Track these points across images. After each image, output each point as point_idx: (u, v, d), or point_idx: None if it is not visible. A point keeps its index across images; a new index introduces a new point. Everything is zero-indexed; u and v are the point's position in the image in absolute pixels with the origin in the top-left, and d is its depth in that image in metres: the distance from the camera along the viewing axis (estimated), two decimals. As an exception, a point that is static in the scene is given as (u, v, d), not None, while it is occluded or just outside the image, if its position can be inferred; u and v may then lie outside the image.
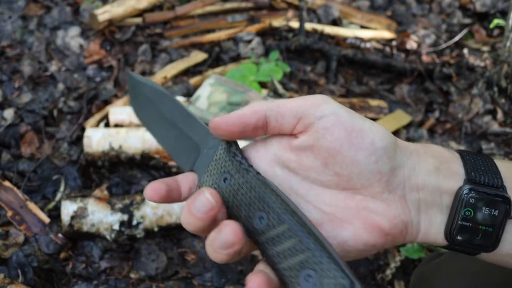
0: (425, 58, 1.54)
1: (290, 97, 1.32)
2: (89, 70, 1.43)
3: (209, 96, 1.19)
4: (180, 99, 1.23)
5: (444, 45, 1.59)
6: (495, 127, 1.34)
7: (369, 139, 0.40)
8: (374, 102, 1.37)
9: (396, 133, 1.29)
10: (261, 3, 1.68)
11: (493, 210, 0.41)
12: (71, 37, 1.51)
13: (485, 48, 1.59)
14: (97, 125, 1.23)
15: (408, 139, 1.29)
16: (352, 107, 1.34)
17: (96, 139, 1.11)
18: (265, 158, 0.42)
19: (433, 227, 0.42)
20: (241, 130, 0.41)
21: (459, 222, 0.41)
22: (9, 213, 1.02)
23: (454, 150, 0.45)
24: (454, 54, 1.56)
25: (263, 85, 1.33)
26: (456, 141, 1.32)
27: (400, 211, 0.41)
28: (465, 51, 1.54)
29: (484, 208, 0.41)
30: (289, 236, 0.36)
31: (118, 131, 1.13)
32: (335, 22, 1.68)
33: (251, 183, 0.39)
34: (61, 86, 1.37)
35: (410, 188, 0.41)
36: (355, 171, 0.39)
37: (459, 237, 0.41)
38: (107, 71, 1.44)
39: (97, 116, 1.25)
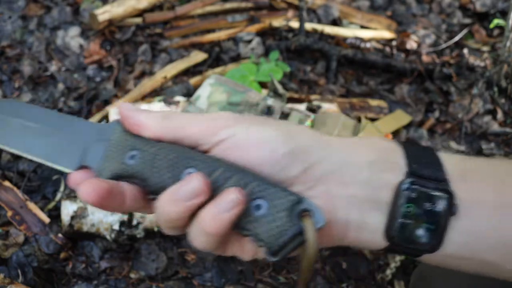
0: (425, 58, 1.54)
1: (290, 97, 1.32)
2: (89, 70, 1.43)
3: (209, 96, 1.19)
4: (180, 99, 1.23)
5: (444, 45, 1.59)
6: (495, 127, 1.34)
7: (268, 149, 0.37)
8: (374, 102, 1.37)
9: (396, 133, 1.29)
10: (261, 3, 1.68)
11: (435, 205, 0.37)
12: (71, 37, 1.51)
13: (485, 48, 1.59)
14: (97, 125, 1.23)
15: (408, 139, 1.29)
16: (352, 107, 1.34)
17: (96, 139, 1.11)
18: None
19: (368, 226, 0.38)
20: None
21: (400, 220, 0.37)
22: (9, 213, 1.02)
23: (396, 142, 0.41)
24: (454, 54, 1.57)
25: (263, 85, 1.33)
26: (456, 141, 1.32)
27: (323, 209, 0.37)
28: (465, 51, 1.54)
29: (425, 203, 0.37)
30: (227, 177, 0.36)
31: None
32: (335, 22, 1.68)
33: (166, 148, 0.38)
34: (61, 86, 1.37)
35: (335, 183, 0.38)
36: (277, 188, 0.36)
37: (400, 237, 0.38)
38: (107, 71, 1.44)
39: (97, 116, 1.25)
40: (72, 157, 0.41)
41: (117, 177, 0.39)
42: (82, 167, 0.41)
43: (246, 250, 0.39)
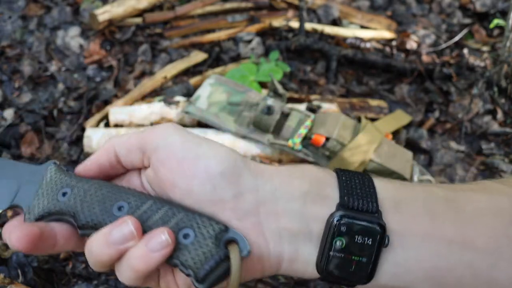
0: (425, 58, 1.54)
1: (290, 97, 1.32)
2: (89, 70, 1.43)
3: (209, 96, 1.19)
4: (180, 99, 1.23)
5: (444, 45, 1.59)
6: (495, 127, 1.34)
7: (203, 165, 0.37)
8: (374, 102, 1.37)
9: (396, 133, 1.29)
10: (261, 3, 1.68)
11: (366, 238, 0.37)
12: (71, 37, 1.51)
13: (485, 48, 1.59)
14: (97, 125, 1.23)
15: (408, 139, 1.29)
16: (352, 107, 1.34)
17: (96, 139, 1.11)
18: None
19: (300, 258, 0.38)
20: (100, 171, 0.41)
21: (331, 252, 0.37)
22: (9, 213, 1.02)
23: (331, 170, 0.41)
24: (454, 54, 1.57)
25: (263, 85, 1.33)
26: (456, 141, 1.32)
27: (253, 243, 0.36)
28: (465, 51, 1.54)
29: (356, 236, 0.37)
30: (157, 209, 0.37)
31: (118, 131, 1.13)
32: (335, 22, 1.68)
33: (98, 184, 0.39)
34: (61, 86, 1.37)
35: (266, 214, 0.37)
36: (193, 202, 0.37)
37: (331, 269, 0.38)
38: (107, 71, 1.44)
39: (97, 116, 1.25)
40: (3, 198, 0.42)
41: (48, 214, 0.39)
42: (12, 206, 0.42)
43: (179, 282, 0.39)
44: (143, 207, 0.37)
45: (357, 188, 0.39)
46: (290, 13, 1.69)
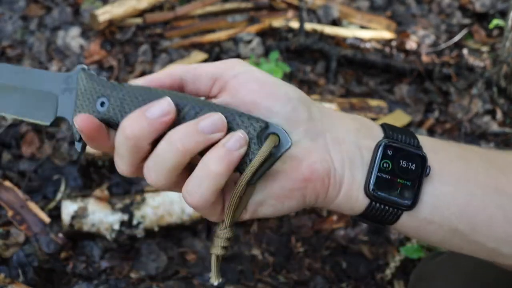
0: (424, 58, 1.54)
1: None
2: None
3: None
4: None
5: (443, 46, 1.60)
6: (494, 127, 1.34)
7: (284, 90, 0.41)
8: (373, 102, 1.37)
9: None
10: (261, 3, 1.68)
11: (410, 163, 0.41)
12: (72, 38, 1.51)
13: (485, 49, 1.59)
14: (98, 125, 1.23)
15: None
16: (352, 107, 1.34)
17: (97, 139, 1.12)
18: None
19: (355, 183, 0.41)
20: None
21: (377, 173, 0.41)
22: (10, 213, 1.02)
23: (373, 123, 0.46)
24: (453, 54, 1.57)
25: (263, 85, 1.33)
26: (456, 141, 1.32)
27: (322, 157, 0.40)
28: (465, 51, 1.54)
29: (401, 161, 0.41)
30: (197, 111, 0.38)
31: (119, 131, 1.14)
32: (335, 23, 1.68)
33: (133, 91, 0.39)
34: (61, 86, 1.37)
35: (331, 139, 0.41)
36: (274, 120, 0.39)
37: (377, 191, 0.41)
38: (107, 71, 1.44)
39: (98, 116, 1.25)
40: (46, 111, 0.43)
41: None
42: (58, 118, 0.43)
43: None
44: (185, 108, 0.38)
45: (399, 132, 0.43)
46: (290, 13, 1.70)
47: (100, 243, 1.00)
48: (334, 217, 1.09)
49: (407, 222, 0.42)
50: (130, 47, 1.51)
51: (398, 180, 0.41)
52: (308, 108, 0.41)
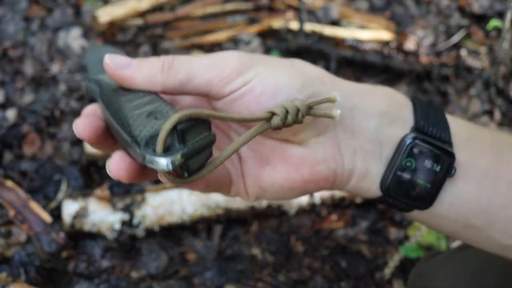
0: (423, 59, 1.55)
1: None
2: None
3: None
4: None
5: (442, 46, 1.60)
6: (492, 127, 1.35)
7: (285, 98, 0.36)
8: (373, 103, 1.37)
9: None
10: (261, 4, 1.69)
11: (435, 164, 0.38)
12: (73, 38, 1.52)
13: (483, 49, 1.60)
14: (98, 125, 1.23)
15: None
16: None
17: (98, 139, 1.12)
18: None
19: (368, 176, 0.39)
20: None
21: (398, 172, 0.38)
22: (11, 213, 1.02)
23: (406, 97, 0.42)
24: (452, 55, 1.58)
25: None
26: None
27: (330, 156, 0.37)
28: (463, 52, 1.55)
29: (426, 160, 0.38)
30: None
31: (119, 132, 1.14)
32: (335, 23, 1.69)
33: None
34: (63, 86, 1.38)
35: (343, 131, 0.38)
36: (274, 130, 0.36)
37: (395, 190, 0.38)
38: (108, 72, 1.45)
39: (98, 117, 1.26)
40: None
41: None
42: None
43: (249, 190, 0.41)
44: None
45: (432, 116, 0.39)
46: (290, 14, 1.70)
47: (101, 242, 1.00)
48: (334, 217, 1.09)
49: (418, 215, 0.41)
50: (131, 48, 1.52)
51: (419, 181, 0.38)
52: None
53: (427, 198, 0.38)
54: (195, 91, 0.36)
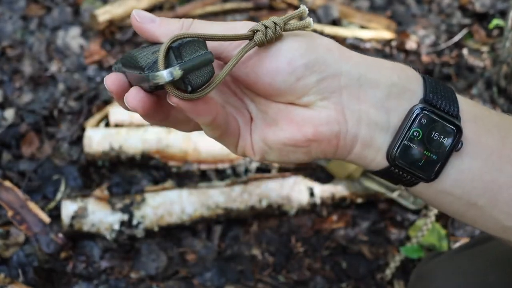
0: (424, 58, 1.54)
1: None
2: (90, 71, 1.43)
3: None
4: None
5: (443, 46, 1.60)
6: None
7: (287, 60, 0.38)
8: (373, 102, 1.37)
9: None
10: (261, 3, 1.68)
11: (442, 137, 0.38)
12: (72, 38, 1.51)
13: (485, 49, 1.59)
14: (98, 125, 1.23)
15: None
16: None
17: (97, 139, 1.12)
18: None
19: (373, 145, 0.39)
20: None
21: (405, 141, 0.38)
22: (10, 213, 1.02)
23: (416, 71, 0.42)
24: (453, 54, 1.57)
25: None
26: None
27: (333, 119, 0.38)
28: (465, 51, 1.54)
29: (434, 132, 0.38)
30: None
31: (118, 131, 1.14)
32: (335, 23, 1.68)
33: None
34: (61, 86, 1.37)
35: (349, 97, 0.38)
36: (278, 92, 0.39)
37: (400, 160, 0.38)
38: (107, 71, 1.44)
39: (98, 116, 1.25)
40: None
41: None
42: None
43: (255, 147, 0.43)
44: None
45: (441, 90, 0.40)
46: (290, 13, 1.70)
47: (100, 243, 1.00)
48: (334, 217, 1.09)
49: (422, 189, 0.41)
50: (130, 47, 1.51)
51: (425, 152, 0.38)
52: (321, 67, 0.38)
53: (433, 170, 0.39)
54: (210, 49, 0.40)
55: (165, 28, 0.40)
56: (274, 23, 0.39)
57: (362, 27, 1.68)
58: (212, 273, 0.98)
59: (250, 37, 0.38)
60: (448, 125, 0.38)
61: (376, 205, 1.10)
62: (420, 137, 0.38)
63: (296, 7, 1.68)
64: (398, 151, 0.38)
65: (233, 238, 1.04)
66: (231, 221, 1.06)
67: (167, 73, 0.35)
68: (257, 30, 0.38)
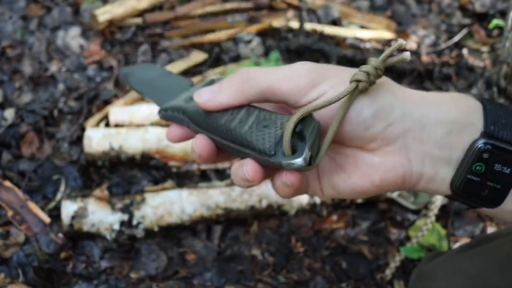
0: (424, 58, 1.54)
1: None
2: (89, 70, 1.43)
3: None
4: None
5: (443, 46, 1.59)
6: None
7: (355, 111, 0.39)
8: (373, 102, 1.37)
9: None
10: (261, 3, 1.68)
11: (505, 168, 0.39)
12: (72, 37, 1.51)
13: (485, 49, 1.59)
14: (97, 125, 1.23)
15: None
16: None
17: (97, 139, 1.12)
18: None
19: (437, 179, 0.41)
20: None
21: (468, 176, 0.39)
22: (10, 213, 1.02)
23: (476, 99, 0.42)
24: (453, 54, 1.57)
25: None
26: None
27: (398, 163, 0.40)
28: (465, 51, 1.54)
29: (496, 164, 0.39)
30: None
31: (118, 131, 1.14)
32: (335, 23, 1.68)
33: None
34: (61, 86, 1.37)
35: (413, 140, 0.40)
36: (347, 140, 0.40)
37: (464, 191, 0.40)
38: (107, 71, 1.44)
39: (97, 116, 1.25)
40: (167, 100, 0.48)
41: None
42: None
43: (324, 187, 0.44)
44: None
45: (502, 118, 0.40)
46: (290, 13, 1.70)
47: (100, 243, 1.00)
48: (334, 217, 1.09)
49: (488, 210, 0.42)
50: (130, 47, 1.51)
51: (488, 183, 0.40)
52: (386, 115, 0.39)
53: (497, 199, 0.40)
54: (274, 100, 0.41)
55: (228, 92, 0.41)
56: (375, 68, 0.39)
57: (362, 27, 1.68)
58: (212, 273, 0.98)
59: (355, 89, 0.39)
60: (510, 156, 0.39)
61: (376, 205, 1.10)
62: (482, 170, 0.39)
63: (296, 8, 1.68)
64: (462, 184, 0.40)
65: (233, 238, 1.04)
66: (231, 221, 1.06)
67: (302, 161, 0.36)
68: (360, 81, 0.38)
